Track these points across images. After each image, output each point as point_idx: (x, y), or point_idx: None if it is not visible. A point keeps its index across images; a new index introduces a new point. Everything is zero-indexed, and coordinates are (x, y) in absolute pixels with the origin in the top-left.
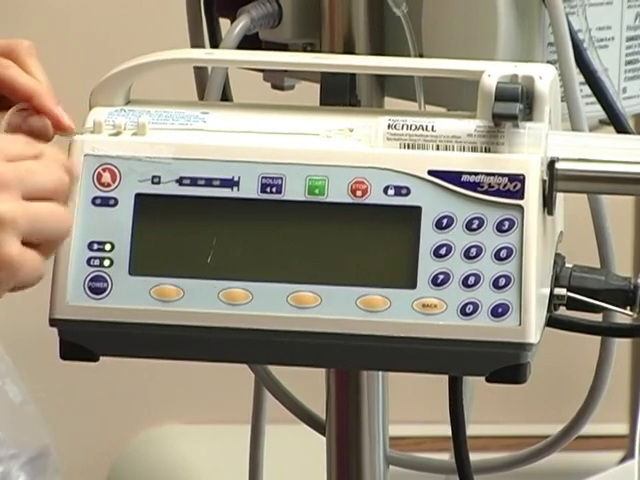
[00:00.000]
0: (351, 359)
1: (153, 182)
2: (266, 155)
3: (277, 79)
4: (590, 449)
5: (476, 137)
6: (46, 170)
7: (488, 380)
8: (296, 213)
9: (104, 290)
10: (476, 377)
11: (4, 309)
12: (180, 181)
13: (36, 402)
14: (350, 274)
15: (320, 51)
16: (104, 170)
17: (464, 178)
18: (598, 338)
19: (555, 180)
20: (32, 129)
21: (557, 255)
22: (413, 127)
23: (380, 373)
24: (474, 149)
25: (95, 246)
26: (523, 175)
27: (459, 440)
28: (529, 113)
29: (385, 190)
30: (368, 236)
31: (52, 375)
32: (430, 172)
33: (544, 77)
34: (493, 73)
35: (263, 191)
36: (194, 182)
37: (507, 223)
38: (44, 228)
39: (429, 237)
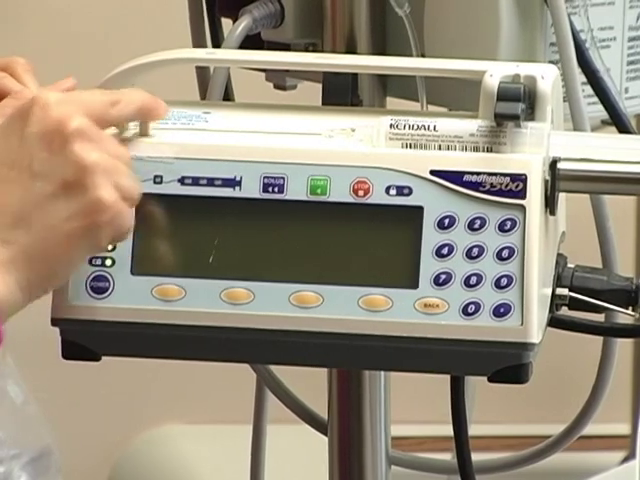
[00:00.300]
0: (353, 359)
1: (155, 182)
2: (268, 155)
3: (279, 79)
4: (592, 449)
5: (478, 137)
6: (113, 141)
7: (490, 380)
8: (298, 213)
9: (106, 290)
10: (478, 377)
11: None
12: (182, 181)
13: (37, 402)
14: (352, 274)
15: (322, 51)
16: None
17: (466, 178)
18: (600, 338)
19: (557, 180)
20: None
21: (559, 255)
22: (415, 127)
23: (382, 373)
24: (476, 149)
25: None
26: (525, 175)
27: (461, 440)
28: (531, 113)
29: (387, 190)
30: (370, 236)
31: (54, 375)
32: (432, 172)
33: (546, 77)
34: (495, 73)
35: (265, 191)
36: (196, 182)
37: (509, 223)
38: (126, 184)
39: (431, 237)
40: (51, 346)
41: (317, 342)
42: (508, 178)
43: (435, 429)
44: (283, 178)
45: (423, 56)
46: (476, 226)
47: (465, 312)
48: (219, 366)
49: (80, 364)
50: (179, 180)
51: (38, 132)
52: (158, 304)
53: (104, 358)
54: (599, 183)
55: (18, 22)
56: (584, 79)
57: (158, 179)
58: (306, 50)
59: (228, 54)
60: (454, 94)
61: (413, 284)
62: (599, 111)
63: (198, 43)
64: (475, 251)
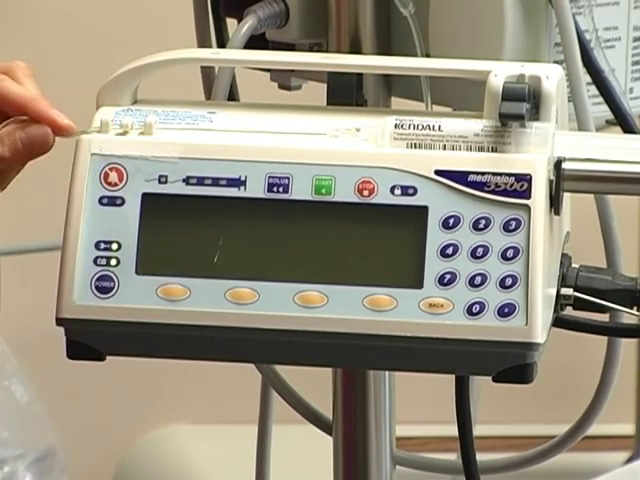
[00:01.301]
0: (358, 359)
1: (160, 182)
2: (273, 155)
3: (284, 79)
4: (596, 449)
5: (483, 137)
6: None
7: (495, 380)
8: (303, 213)
9: (111, 289)
10: (483, 377)
11: (10, 309)
12: (187, 180)
13: (42, 402)
14: (357, 274)
15: (327, 51)
16: (111, 170)
17: (471, 178)
18: (604, 338)
19: (562, 180)
20: (32, 138)
21: (564, 255)
22: (420, 127)
23: (387, 373)
24: (481, 149)
25: (102, 245)
26: (530, 175)
27: (466, 440)
28: (536, 113)
29: (392, 190)
30: (375, 236)
31: (58, 375)
32: (437, 172)
33: (551, 77)
34: (500, 73)
35: (270, 191)
36: (201, 182)
37: (514, 223)
38: None
39: (436, 237)
40: (56, 346)
41: (322, 342)
42: (513, 178)
43: (439, 429)
44: (288, 178)
45: (428, 56)
46: (481, 226)
47: (470, 312)
48: (224, 366)
49: (85, 364)
50: (184, 180)
51: None
52: (163, 304)
53: (109, 358)
54: (604, 183)
55: (19, 22)
56: (589, 79)
57: (163, 179)
58: (311, 50)
59: (233, 54)
60: (459, 94)
61: (418, 284)
62: (604, 111)
63: (203, 43)
64: (480, 251)
